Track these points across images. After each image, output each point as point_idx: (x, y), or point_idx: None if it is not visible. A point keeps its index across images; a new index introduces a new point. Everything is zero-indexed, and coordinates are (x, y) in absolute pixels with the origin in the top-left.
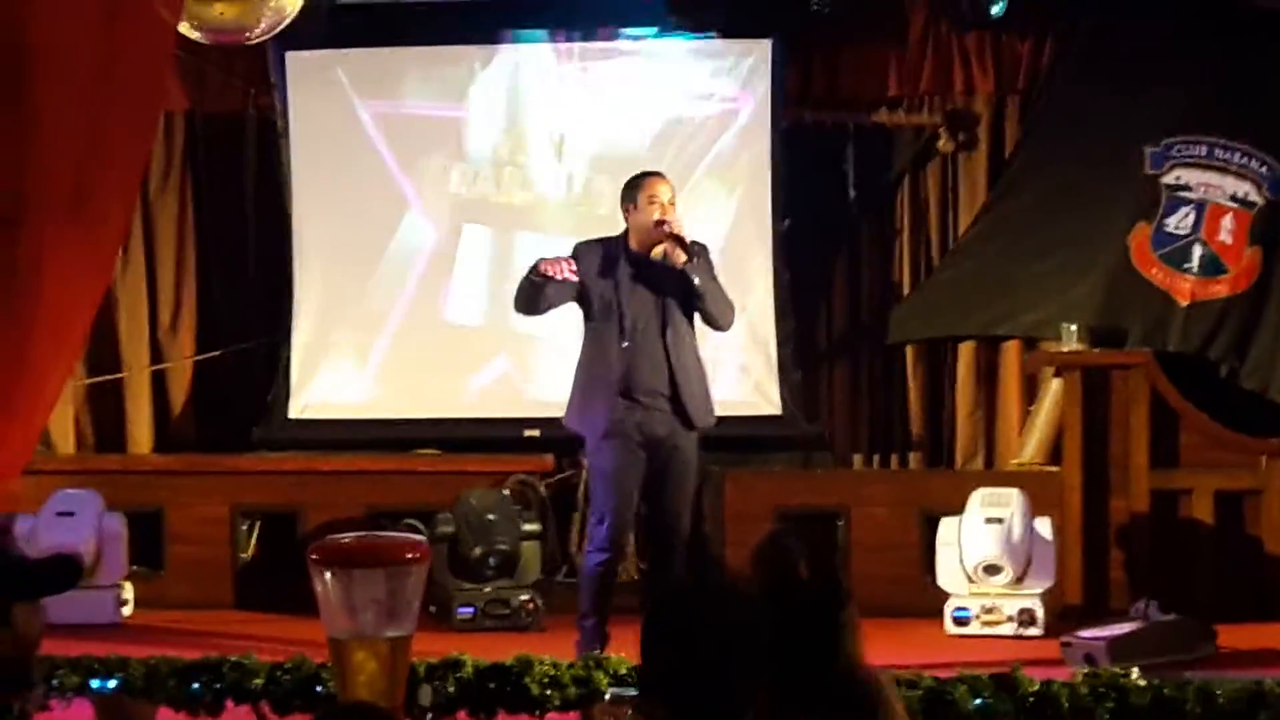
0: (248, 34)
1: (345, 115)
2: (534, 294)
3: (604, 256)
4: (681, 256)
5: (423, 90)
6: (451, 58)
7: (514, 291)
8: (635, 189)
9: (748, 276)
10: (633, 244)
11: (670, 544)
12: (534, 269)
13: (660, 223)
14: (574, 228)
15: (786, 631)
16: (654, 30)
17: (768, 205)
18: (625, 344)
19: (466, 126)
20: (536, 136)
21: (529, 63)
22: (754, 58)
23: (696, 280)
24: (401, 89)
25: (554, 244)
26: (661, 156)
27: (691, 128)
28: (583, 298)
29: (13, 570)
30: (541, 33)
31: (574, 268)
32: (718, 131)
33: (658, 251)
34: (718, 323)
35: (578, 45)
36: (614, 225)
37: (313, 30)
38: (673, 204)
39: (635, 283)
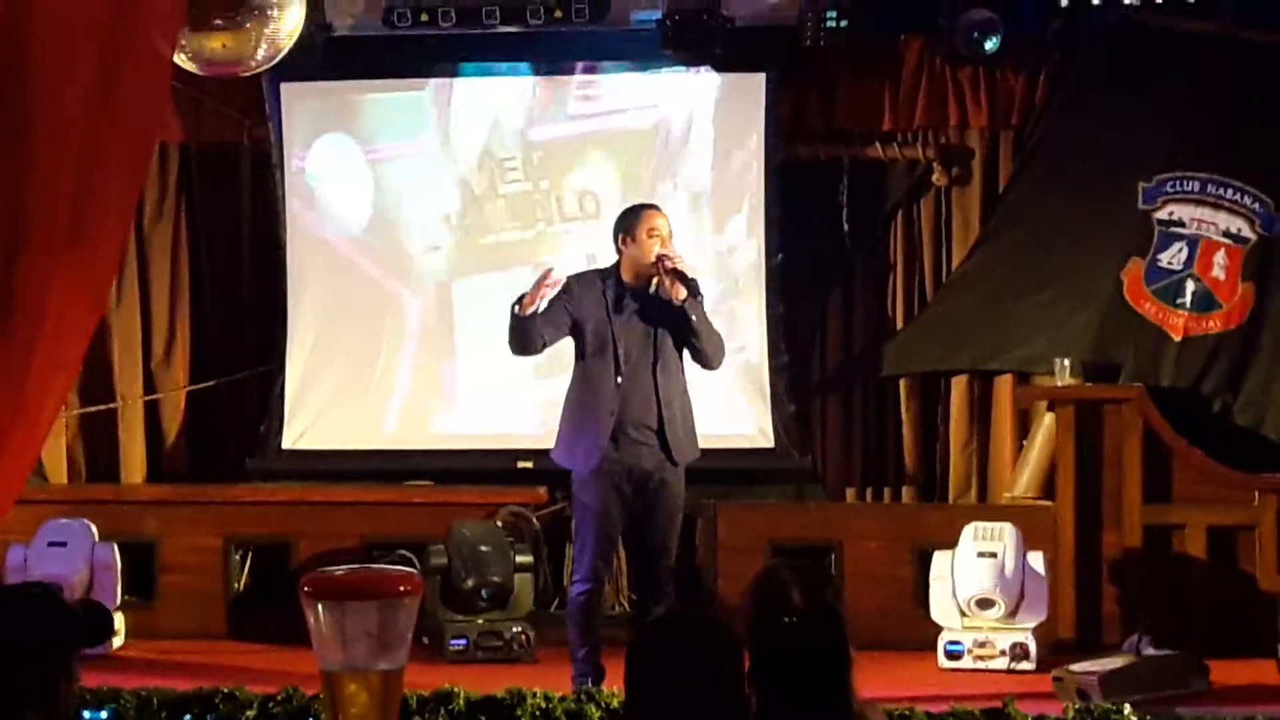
0: (243, 65)
1: (339, 149)
2: (523, 331)
3: (598, 289)
4: (682, 292)
5: (420, 125)
6: (446, 92)
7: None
8: (632, 221)
9: (741, 310)
10: (627, 277)
11: (658, 577)
12: (516, 304)
13: (663, 258)
14: (565, 260)
15: (779, 662)
16: (650, 63)
17: (761, 238)
18: (619, 379)
19: (461, 160)
20: (530, 169)
21: (525, 96)
22: (748, 91)
23: (694, 318)
24: (391, 126)
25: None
26: (654, 189)
27: (685, 160)
28: (576, 331)
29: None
30: (538, 65)
31: (551, 279)
32: (711, 164)
33: (667, 285)
34: (710, 362)
35: (575, 79)
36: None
37: (307, 62)
38: (670, 237)
39: (629, 316)
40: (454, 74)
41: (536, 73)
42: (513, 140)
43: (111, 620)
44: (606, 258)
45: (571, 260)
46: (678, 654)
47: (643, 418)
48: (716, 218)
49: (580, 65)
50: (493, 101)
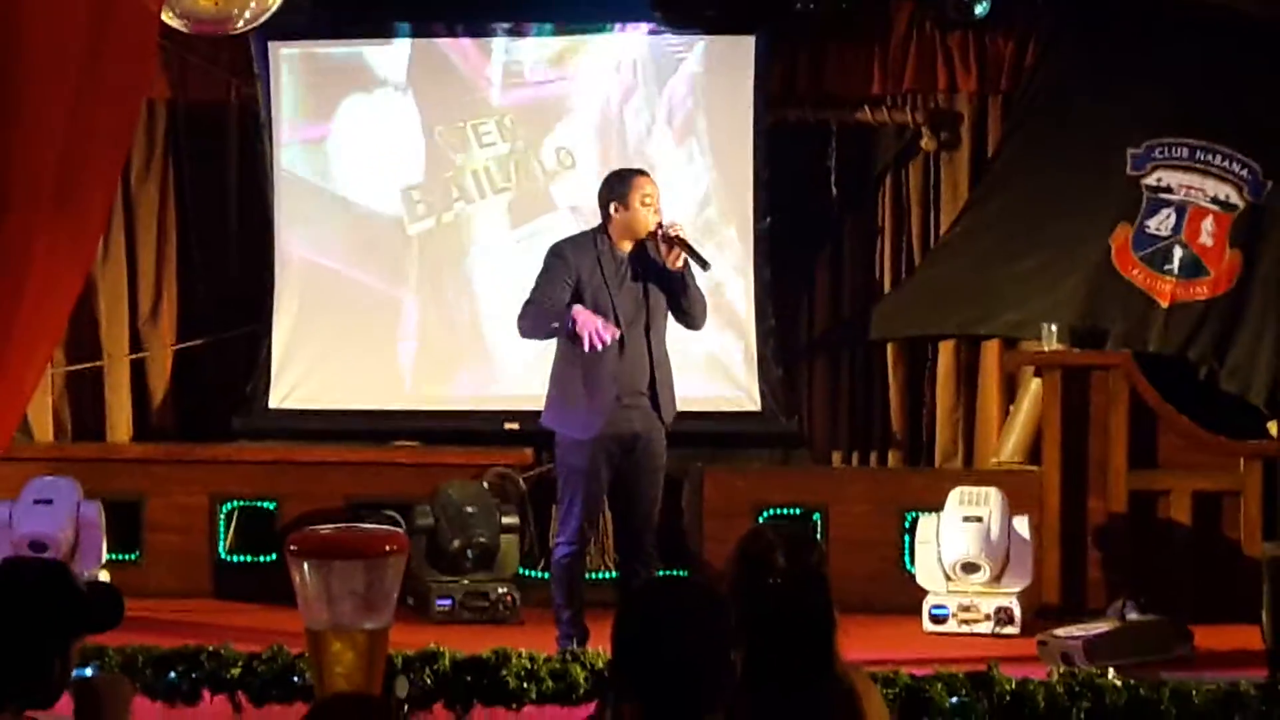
0: (231, 24)
1: (328, 106)
2: (549, 332)
3: (593, 256)
4: (680, 259)
5: (410, 84)
6: (433, 51)
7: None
8: (625, 187)
9: (729, 273)
10: (620, 242)
11: (643, 537)
12: (571, 321)
13: (665, 228)
14: (551, 219)
15: (764, 624)
16: (639, 25)
17: (749, 202)
18: (621, 347)
19: (451, 119)
20: (518, 130)
21: (515, 55)
22: (738, 54)
23: (689, 283)
24: (380, 84)
25: (536, 233)
26: (643, 152)
27: (674, 123)
28: (576, 299)
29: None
30: (528, 25)
31: (614, 333)
32: (701, 128)
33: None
34: (695, 323)
35: (564, 39)
36: (581, 218)
37: (296, 21)
38: (656, 201)
39: (623, 281)
40: (449, 33)
41: (532, 33)
42: (506, 98)
43: (122, 607)
44: (586, 208)
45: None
46: (664, 616)
47: (637, 382)
48: (705, 180)
49: (568, 24)
50: (492, 57)
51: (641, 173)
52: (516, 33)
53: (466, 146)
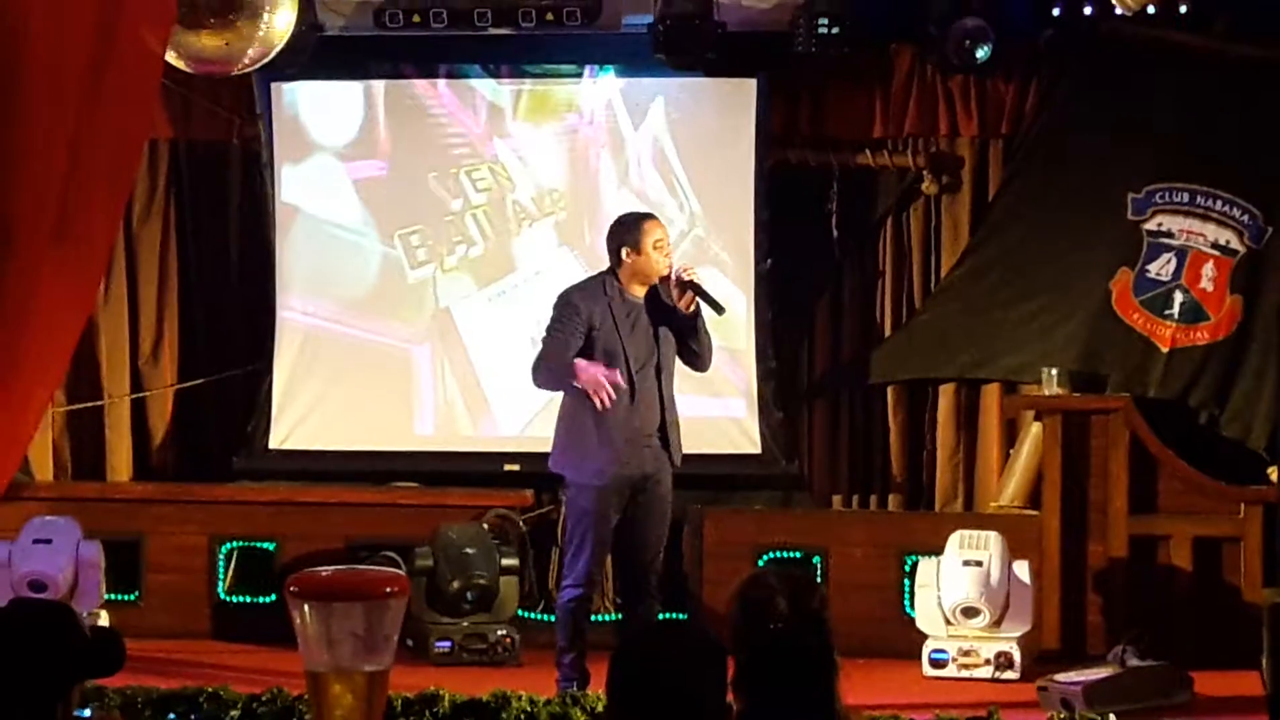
0: (234, 65)
1: (331, 146)
2: (557, 386)
3: (604, 302)
4: (693, 303)
5: (410, 126)
6: (437, 92)
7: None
8: (636, 232)
9: (730, 315)
10: (630, 286)
11: (647, 578)
12: (573, 374)
13: (681, 272)
14: (555, 259)
15: (765, 669)
16: (640, 68)
17: (750, 244)
18: (633, 392)
19: (454, 160)
20: (515, 171)
21: (515, 97)
22: (739, 97)
23: (700, 327)
24: (384, 127)
25: (537, 277)
26: (645, 193)
27: (675, 165)
28: (587, 345)
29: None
30: (527, 67)
31: (620, 380)
32: (700, 170)
33: (685, 301)
34: (704, 365)
35: (565, 82)
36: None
37: (299, 61)
38: (668, 243)
39: (634, 326)
40: (449, 75)
41: (531, 75)
42: (511, 139)
43: (123, 652)
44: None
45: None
46: (660, 660)
47: (649, 425)
48: (706, 223)
49: (572, 66)
50: (491, 99)
51: (651, 216)
52: (517, 75)
53: (464, 191)
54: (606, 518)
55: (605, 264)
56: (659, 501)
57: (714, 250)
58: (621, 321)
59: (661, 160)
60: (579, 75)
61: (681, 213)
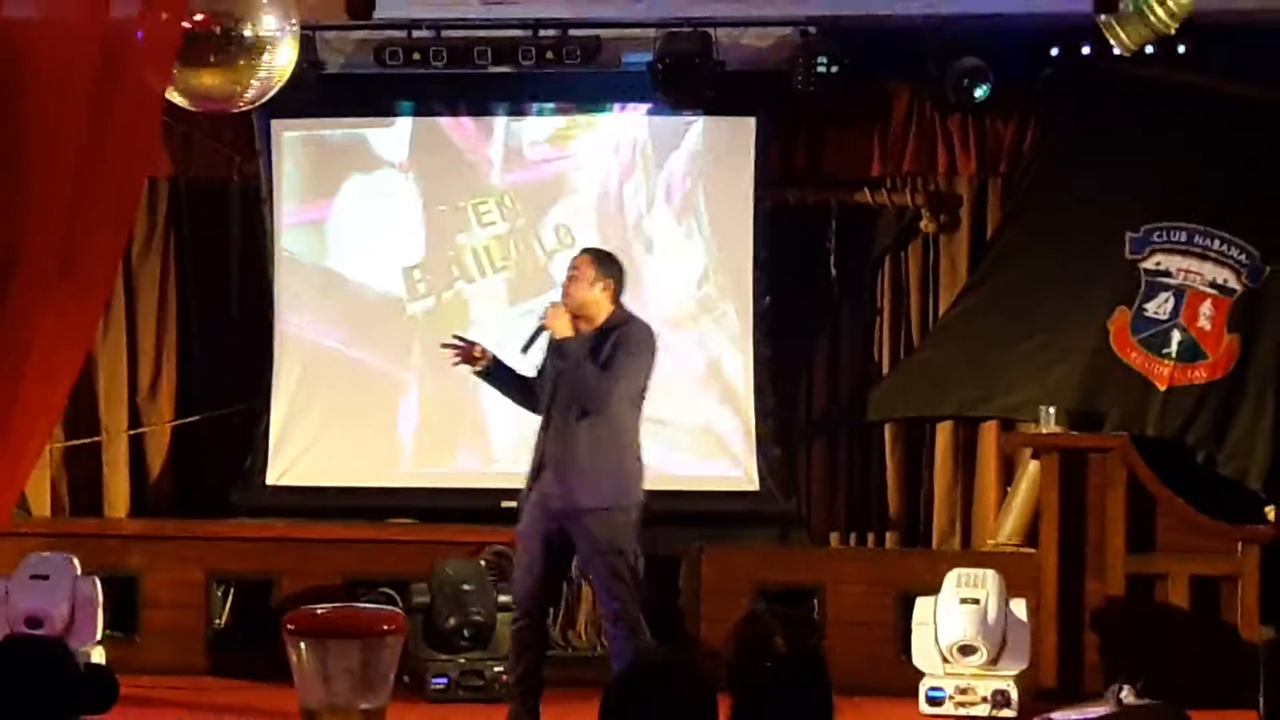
0: (235, 102)
1: (330, 184)
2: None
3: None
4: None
5: (411, 164)
6: (436, 130)
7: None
8: None
9: (727, 353)
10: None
11: (606, 617)
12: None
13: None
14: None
15: (763, 708)
16: (640, 106)
17: (749, 282)
18: (546, 422)
19: (452, 198)
20: (518, 208)
21: (515, 135)
22: (738, 135)
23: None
24: (390, 161)
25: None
26: (641, 230)
27: (674, 202)
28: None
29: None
30: (528, 105)
31: (468, 350)
32: (700, 207)
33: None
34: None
35: (564, 119)
36: None
37: (299, 99)
38: (575, 277)
39: (555, 359)
40: (451, 112)
41: (533, 114)
42: (506, 177)
43: (116, 689)
44: None
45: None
46: (651, 697)
47: (561, 460)
48: (703, 259)
49: (570, 104)
50: (491, 137)
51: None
52: (517, 112)
53: (467, 226)
54: (529, 538)
55: None
56: (589, 543)
57: (718, 287)
58: (550, 354)
59: (665, 199)
60: (598, 112)
61: (689, 247)
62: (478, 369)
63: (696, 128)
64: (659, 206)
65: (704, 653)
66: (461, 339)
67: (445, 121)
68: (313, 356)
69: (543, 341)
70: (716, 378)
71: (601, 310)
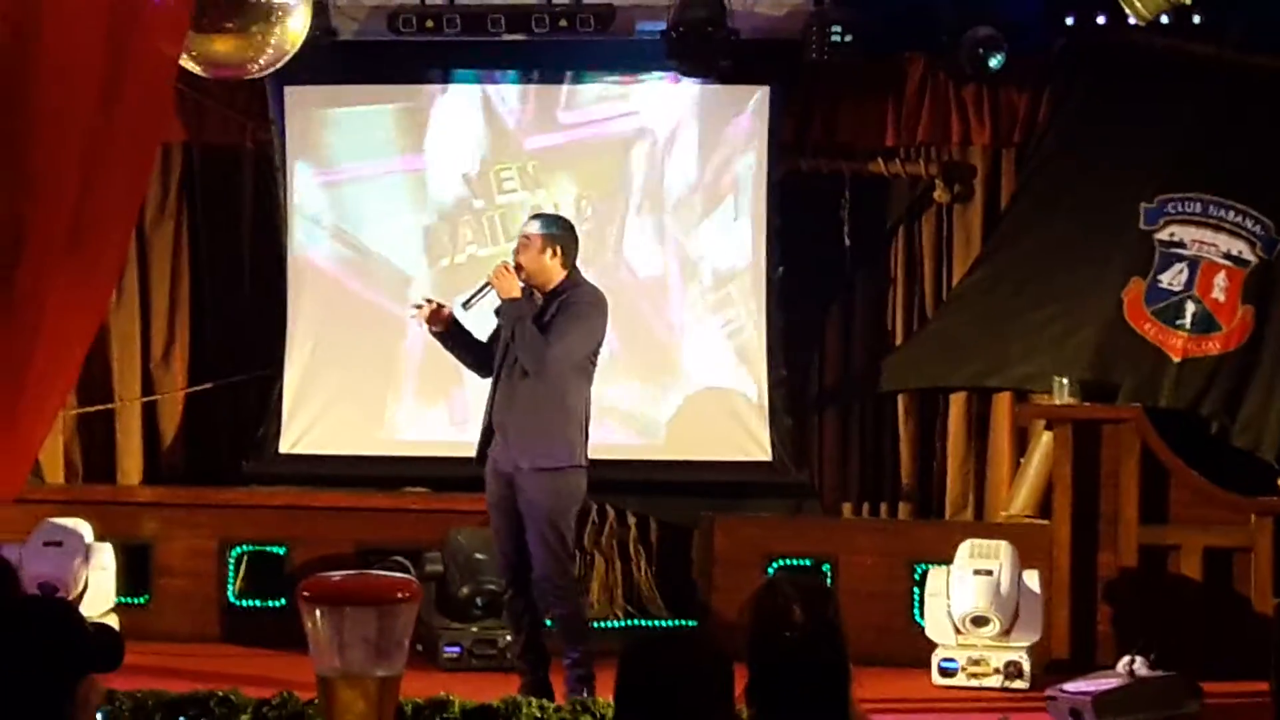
0: (249, 68)
1: (343, 150)
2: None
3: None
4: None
5: (424, 131)
6: (450, 97)
7: None
8: None
9: (740, 322)
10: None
11: (539, 577)
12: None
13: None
14: None
15: (780, 678)
16: (653, 74)
17: (762, 252)
18: (495, 384)
19: (464, 165)
20: (539, 177)
21: (526, 104)
22: (752, 104)
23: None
24: (403, 128)
25: None
26: (657, 200)
27: (688, 173)
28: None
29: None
30: (538, 74)
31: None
32: (714, 177)
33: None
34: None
35: (578, 87)
36: (599, 267)
37: (312, 65)
38: (526, 244)
39: (510, 324)
40: (465, 79)
41: (533, 80)
42: (520, 149)
43: (122, 649)
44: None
45: None
46: (664, 669)
47: (506, 423)
48: (718, 230)
49: (584, 73)
50: (505, 107)
51: (530, 218)
52: (537, 80)
53: (487, 191)
54: (493, 506)
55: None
56: (527, 506)
57: (732, 257)
58: (505, 316)
59: (678, 167)
60: (591, 83)
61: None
62: (436, 329)
63: (709, 96)
64: (675, 177)
65: (717, 623)
66: (429, 300)
67: (459, 89)
68: (327, 324)
69: (491, 301)
70: (729, 347)
71: (553, 276)
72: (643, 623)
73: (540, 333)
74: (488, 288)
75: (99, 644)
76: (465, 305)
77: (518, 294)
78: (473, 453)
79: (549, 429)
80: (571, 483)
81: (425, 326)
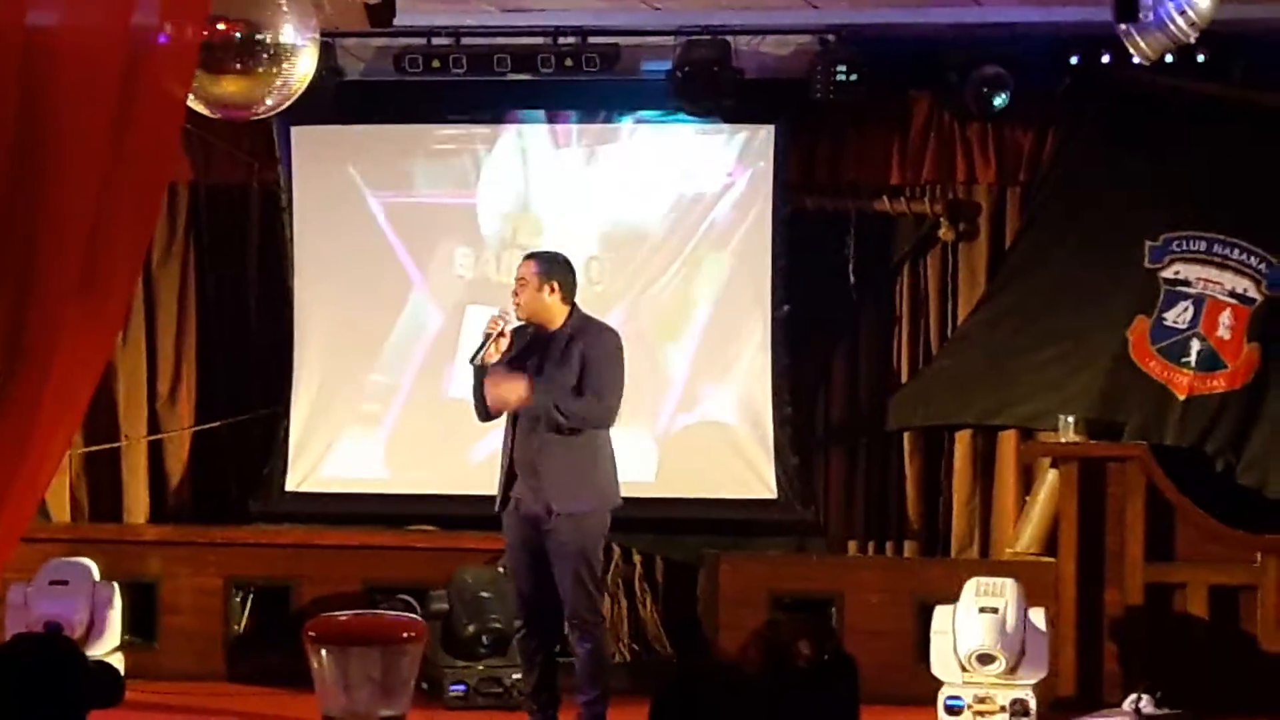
0: (255, 109)
1: (349, 193)
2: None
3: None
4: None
5: (427, 173)
6: (455, 139)
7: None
8: None
9: (746, 360)
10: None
11: (569, 612)
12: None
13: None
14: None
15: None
16: (659, 114)
17: (767, 290)
18: (513, 426)
19: (470, 209)
20: (538, 219)
21: (532, 144)
22: (757, 143)
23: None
24: (406, 171)
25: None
26: (663, 239)
27: (693, 211)
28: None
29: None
30: (545, 114)
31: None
32: (720, 215)
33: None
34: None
35: (581, 127)
36: (614, 301)
37: (318, 105)
38: (523, 284)
39: (530, 358)
40: (468, 120)
41: (550, 121)
42: (524, 188)
43: (123, 686)
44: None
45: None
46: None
47: (528, 463)
48: (723, 267)
49: (588, 113)
50: (506, 148)
51: (525, 258)
52: (543, 120)
53: (497, 233)
54: (513, 547)
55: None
56: (558, 545)
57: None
58: (521, 352)
59: (685, 207)
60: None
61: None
62: (478, 361)
63: (715, 135)
64: (680, 215)
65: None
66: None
67: (462, 130)
68: (333, 363)
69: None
70: (735, 385)
71: (555, 313)
72: (647, 660)
73: (574, 387)
74: (489, 339)
75: (99, 681)
76: (473, 360)
77: (524, 393)
78: (477, 491)
79: (584, 473)
80: (603, 521)
81: (486, 350)
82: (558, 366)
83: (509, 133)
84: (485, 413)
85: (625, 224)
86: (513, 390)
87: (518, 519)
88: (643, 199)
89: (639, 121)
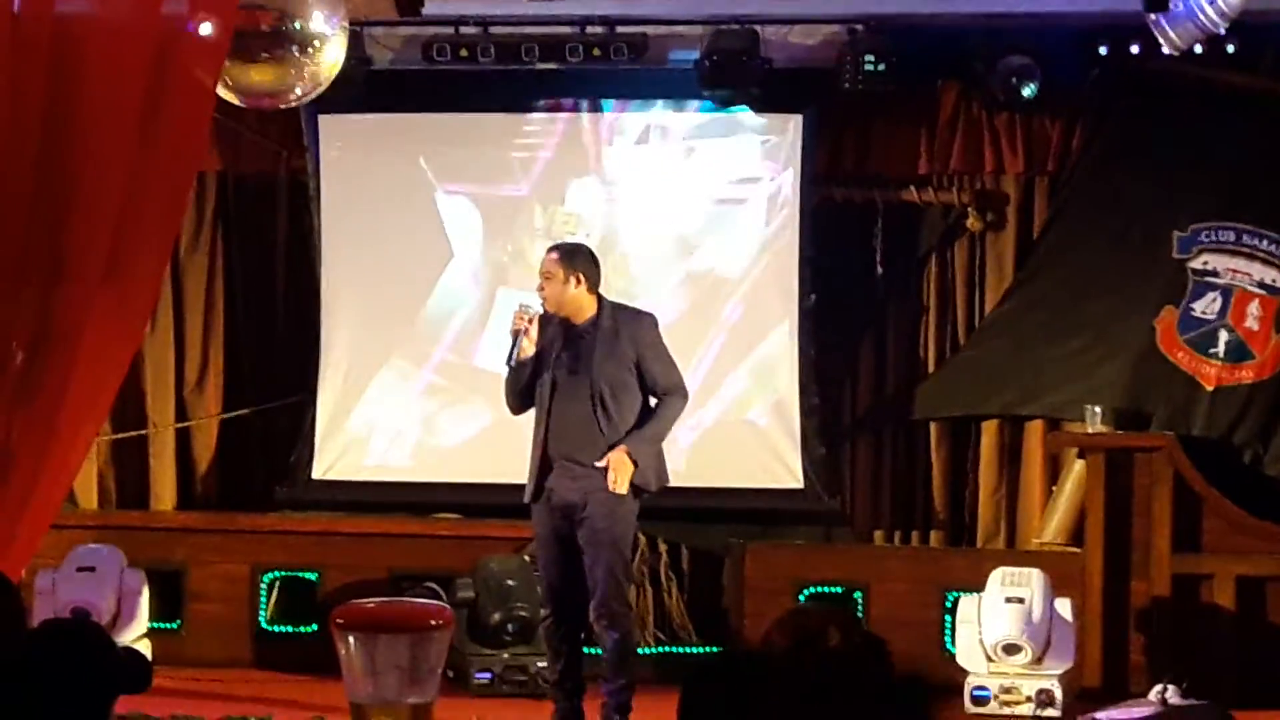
0: (285, 98)
1: (377, 182)
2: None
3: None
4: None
5: (456, 161)
6: (482, 127)
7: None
8: None
9: (773, 350)
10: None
11: (600, 601)
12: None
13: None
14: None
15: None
16: (687, 104)
17: (795, 280)
18: (548, 414)
19: (497, 198)
20: (568, 209)
21: (559, 134)
22: (785, 133)
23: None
24: (434, 159)
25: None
26: (691, 227)
27: (721, 200)
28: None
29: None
30: (574, 103)
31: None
32: (747, 205)
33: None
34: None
35: (610, 116)
36: (642, 291)
37: (347, 94)
38: (548, 278)
39: (561, 351)
40: (497, 109)
41: (579, 109)
42: (552, 177)
43: (150, 672)
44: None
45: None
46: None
47: (571, 450)
48: (750, 258)
49: (616, 102)
50: (536, 137)
51: (549, 249)
52: (570, 109)
53: (525, 223)
54: (543, 538)
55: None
56: (592, 533)
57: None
58: (553, 341)
59: (712, 196)
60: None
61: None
62: (513, 362)
63: (743, 125)
64: (708, 204)
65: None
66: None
67: (491, 118)
68: (359, 350)
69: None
70: (761, 375)
71: (584, 304)
72: (673, 650)
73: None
74: (518, 337)
75: (127, 667)
76: (508, 362)
77: (630, 465)
78: (503, 480)
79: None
80: (635, 508)
81: (520, 348)
82: (606, 359)
83: (538, 122)
84: (518, 406)
85: (653, 214)
86: (624, 474)
87: (549, 510)
88: (670, 189)
89: (667, 111)
